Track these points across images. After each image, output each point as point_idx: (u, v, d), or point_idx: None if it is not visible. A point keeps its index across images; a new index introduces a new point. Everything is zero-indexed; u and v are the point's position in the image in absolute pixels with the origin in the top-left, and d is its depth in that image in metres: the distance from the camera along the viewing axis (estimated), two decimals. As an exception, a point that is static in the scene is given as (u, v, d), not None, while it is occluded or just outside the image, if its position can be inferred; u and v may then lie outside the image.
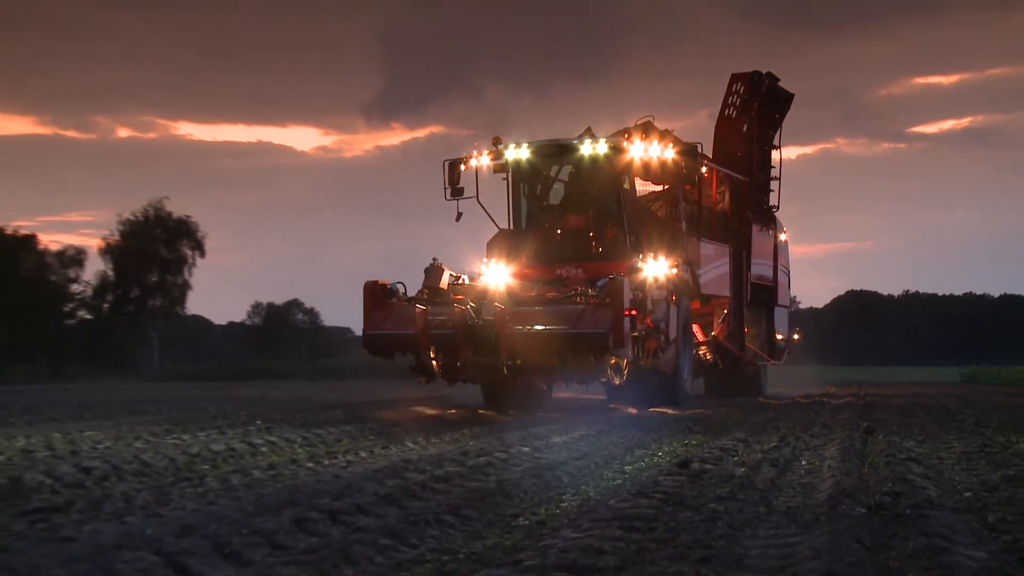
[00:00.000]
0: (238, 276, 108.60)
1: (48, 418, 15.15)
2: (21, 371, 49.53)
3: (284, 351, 68.55)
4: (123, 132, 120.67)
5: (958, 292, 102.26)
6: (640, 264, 15.75)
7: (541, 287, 15.89)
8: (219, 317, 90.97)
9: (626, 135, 16.70)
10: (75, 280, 56.80)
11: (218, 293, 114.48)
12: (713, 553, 5.04)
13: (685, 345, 17.13)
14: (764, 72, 20.98)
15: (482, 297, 14.99)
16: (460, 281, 16.18)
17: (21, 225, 78.97)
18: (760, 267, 21.20)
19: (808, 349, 34.71)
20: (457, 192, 17.15)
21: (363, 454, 9.71)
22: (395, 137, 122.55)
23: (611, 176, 17.10)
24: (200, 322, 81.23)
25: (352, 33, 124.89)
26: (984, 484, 7.55)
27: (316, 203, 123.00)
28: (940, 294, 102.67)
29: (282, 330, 79.74)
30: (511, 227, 17.69)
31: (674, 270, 16.26)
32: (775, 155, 21.92)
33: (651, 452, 10.06)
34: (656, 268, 15.78)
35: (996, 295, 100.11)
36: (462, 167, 17.18)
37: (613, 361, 14.72)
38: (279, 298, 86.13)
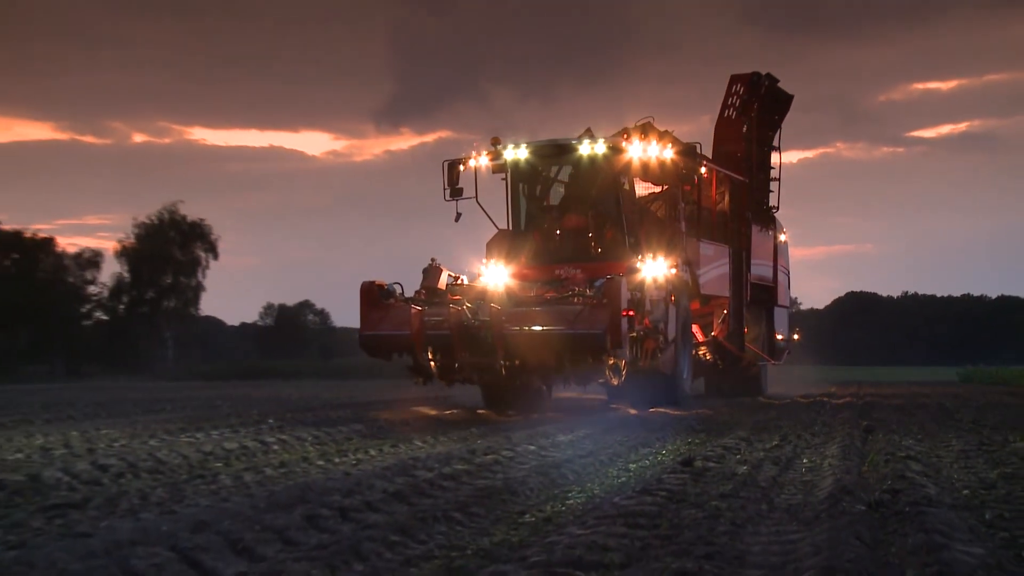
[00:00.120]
0: (251, 278, 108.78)
1: (66, 416, 15.18)
2: (39, 370, 49.70)
3: (295, 351, 68.60)
4: (139, 137, 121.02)
5: (956, 293, 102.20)
6: (639, 264, 15.49)
7: (540, 288, 15.62)
8: (232, 318, 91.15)
9: (625, 135, 16.41)
10: (92, 282, 57.00)
11: (231, 294, 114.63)
12: (716, 549, 5.03)
13: (684, 345, 16.85)
14: (764, 73, 20.68)
15: (481, 298, 14.75)
16: (459, 282, 15.90)
17: (40, 228, 79.13)
18: (760, 267, 20.94)
19: (808, 349, 34.55)
20: (456, 193, 16.88)
21: (372, 452, 9.71)
22: (404, 142, 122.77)
23: (610, 176, 16.81)
24: (213, 323, 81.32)
25: (363, 41, 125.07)
26: (982, 482, 7.53)
27: (327, 206, 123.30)
28: (938, 295, 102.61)
29: (293, 331, 79.79)
30: (510, 228, 17.41)
31: (673, 270, 15.97)
32: (775, 156, 21.64)
33: (655, 450, 10.05)
34: (655, 268, 15.51)
35: (993, 296, 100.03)
36: (461, 168, 16.94)
37: (611, 362, 14.44)
38: (291, 299, 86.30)
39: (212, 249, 59.19)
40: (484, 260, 16.71)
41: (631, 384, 15.27)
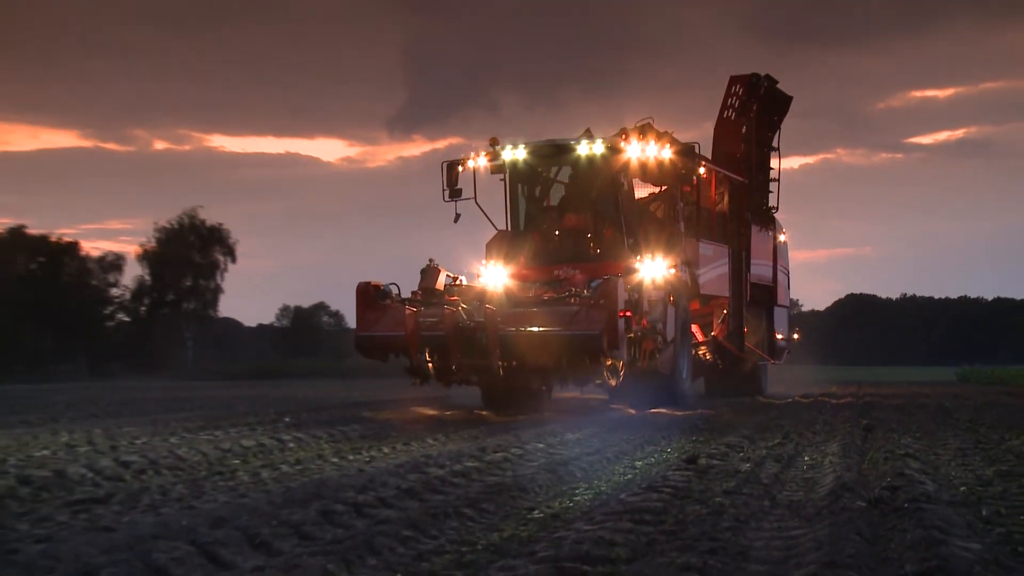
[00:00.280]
0: (267, 281, 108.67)
1: (89, 415, 15.22)
2: (64, 370, 49.82)
3: (311, 352, 68.60)
4: (160, 144, 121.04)
5: (953, 295, 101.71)
6: (637, 265, 15.16)
7: (539, 288, 15.31)
8: (249, 319, 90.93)
9: (623, 136, 16.02)
10: (115, 284, 57.14)
11: (249, 296, 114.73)
12: (720, 545, 5.03)
13: (684, 346, 16.45)
14: (763, 74, 20.31)
15: (479, 298, 14.45)
16: (457, 282, 15.61)
17: (64, 233, 79.16)
18: (759, 267, 20.60)
19: (809, 350, 34.39)
20: (455, 193, 16.58)
21: (385, 450, 9.72)
22: (416, 148, 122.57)
23: (609, 177, 16.43)
24: (231, 324, 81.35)
25: (376, 50, 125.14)
26: (979, 479, 7.51)
27: (341, 211, 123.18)
28: (936, 297, 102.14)
29: (309, 332, 79.84)
30: (509, 228, 17.06)
31: (672, 271, 15.62)
32: (774, 157, 21.26)
33: (660, 448, 10.03)
34: (653, 269, 15.17)
35: (990, 298, 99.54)
36: (460, 169, 16.64)
37: (609, 362, 14.06)
38: (306, 301, 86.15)
39: (230, 252, 59.30)
40: (483, 261, 16.33)
41: (631, 384, 14.91)
